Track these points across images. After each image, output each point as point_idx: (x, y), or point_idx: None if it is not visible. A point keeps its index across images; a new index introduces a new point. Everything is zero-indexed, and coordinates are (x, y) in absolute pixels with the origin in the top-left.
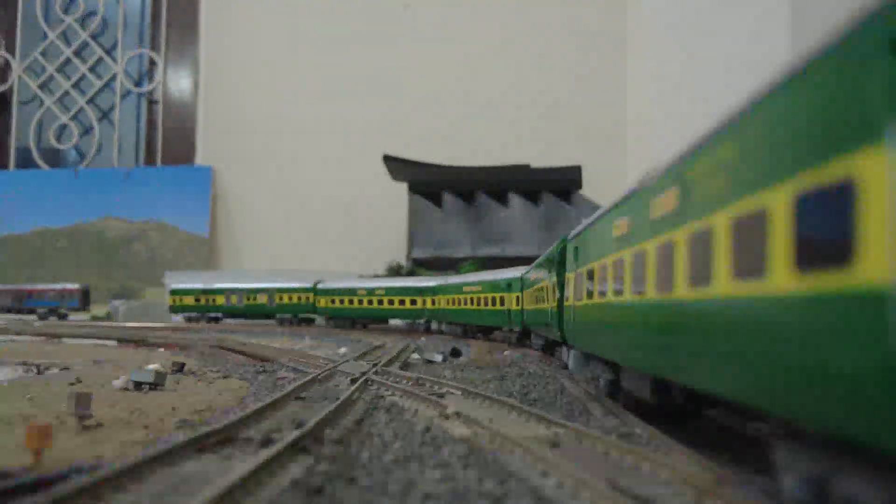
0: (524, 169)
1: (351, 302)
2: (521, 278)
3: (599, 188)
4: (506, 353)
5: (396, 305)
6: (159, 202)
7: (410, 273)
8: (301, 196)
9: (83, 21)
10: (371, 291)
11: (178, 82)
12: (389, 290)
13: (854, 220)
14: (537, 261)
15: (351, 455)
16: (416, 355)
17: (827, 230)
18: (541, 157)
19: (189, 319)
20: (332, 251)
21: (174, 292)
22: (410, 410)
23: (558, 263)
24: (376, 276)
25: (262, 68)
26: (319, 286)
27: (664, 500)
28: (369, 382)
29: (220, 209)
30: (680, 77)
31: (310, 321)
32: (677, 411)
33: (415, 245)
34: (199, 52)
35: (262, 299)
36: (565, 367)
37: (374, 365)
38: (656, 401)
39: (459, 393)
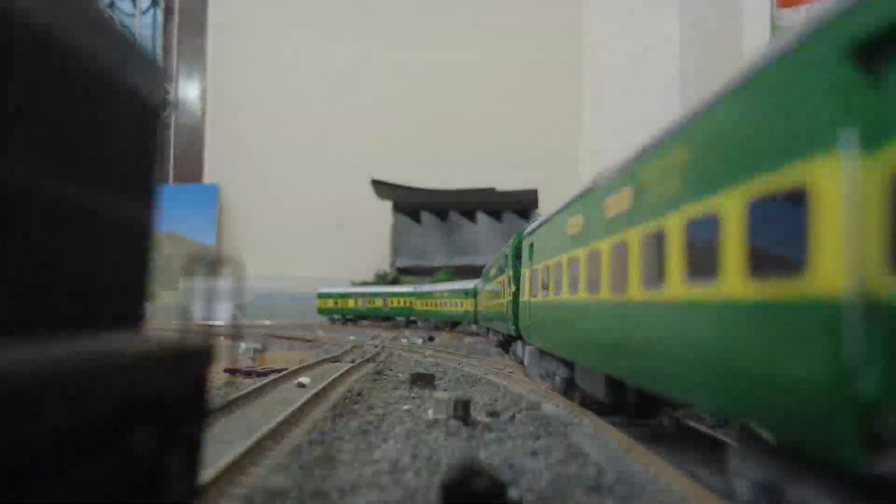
0: (489, 191)
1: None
2: (475, 287)
3: (555, 206)
4: (466, 339)
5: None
6: (171, 216)
7: (395, 280)
8: (298, 210)
9: None
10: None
11: (188, 109)
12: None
13: (807, 227)
14: (493, 259)
15: (388, 364)
16: (404, 340)
17: (780, 237)
18: (505, 179)
19: (331, 321)
20: (325, 260)
21: (320, 296)
22: (409, 358)
23: (513, 259)
24: (364, 282)
25: (262, 97)
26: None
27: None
28: (384, 349)
29: (226, 222)
30: (625, 103)
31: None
32: (632, 411)
33: (398, 255)
34: (207, 83)
35: (378, 303)
36: (520, 362)
37: (382, 343)
38: (611, 401)
39: (431, 352)
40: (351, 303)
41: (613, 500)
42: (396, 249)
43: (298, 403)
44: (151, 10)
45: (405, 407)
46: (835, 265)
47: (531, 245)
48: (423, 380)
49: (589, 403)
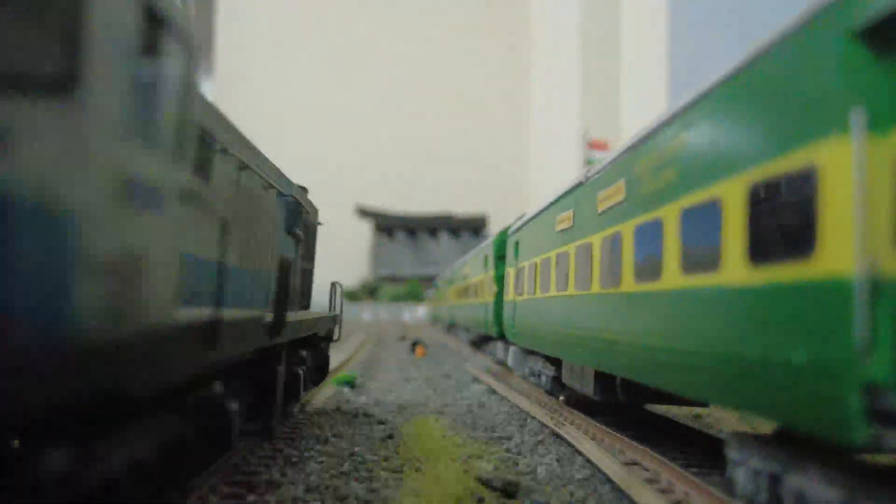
0: (449, 216)
1: None
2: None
3: (504, 225)
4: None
5: None
6: None
7: (377, 287)
8: None
9: None
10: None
11: None
12: None
13: (816, 209)
14: (463, 260)
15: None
16: None
17: (786, 221)
18: (464, 204)
19: None
20: (318, 270)
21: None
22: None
23: (496, 258)
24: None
25: (262, 134)
26: None
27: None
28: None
29: None
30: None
31: None
32: (620, 406)
33: (377, 266)
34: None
35: None
36: (500, 363)
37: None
38: (600, 397)
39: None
40: None
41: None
42: (376, 261)
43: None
44: None
45: None
46: (844, 246)
47: (516, 244)
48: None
49: (575, 402)
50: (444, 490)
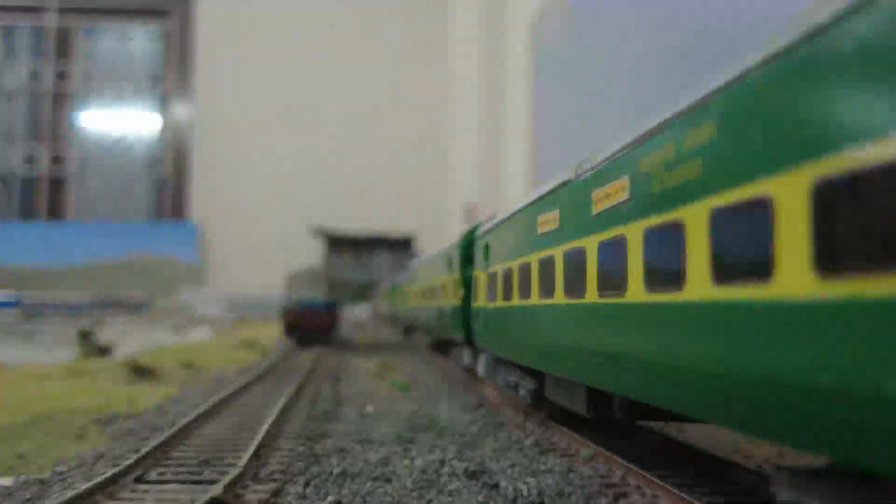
0: (384, 236)
1: None
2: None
3: (429, 244)
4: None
5: None
6: (168, 244)
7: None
8: (258, 239)
9: None
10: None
11: (177, 170)
12: None
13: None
14: (424, 261)
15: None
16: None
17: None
18: (398, 225)
19: None
20: (279, 278)
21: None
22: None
23: (462, 260)
24: None
25: (234, 162)
26: None
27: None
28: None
29: (207, 249)
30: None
31: None
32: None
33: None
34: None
35: None
36: (469, 369)
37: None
38: (594, 415)
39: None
40: None
41: None
42: (329, 271)
43: None
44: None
45: None
46: None
47: (486, 246)
48: None
49: (559, 417)
50: None
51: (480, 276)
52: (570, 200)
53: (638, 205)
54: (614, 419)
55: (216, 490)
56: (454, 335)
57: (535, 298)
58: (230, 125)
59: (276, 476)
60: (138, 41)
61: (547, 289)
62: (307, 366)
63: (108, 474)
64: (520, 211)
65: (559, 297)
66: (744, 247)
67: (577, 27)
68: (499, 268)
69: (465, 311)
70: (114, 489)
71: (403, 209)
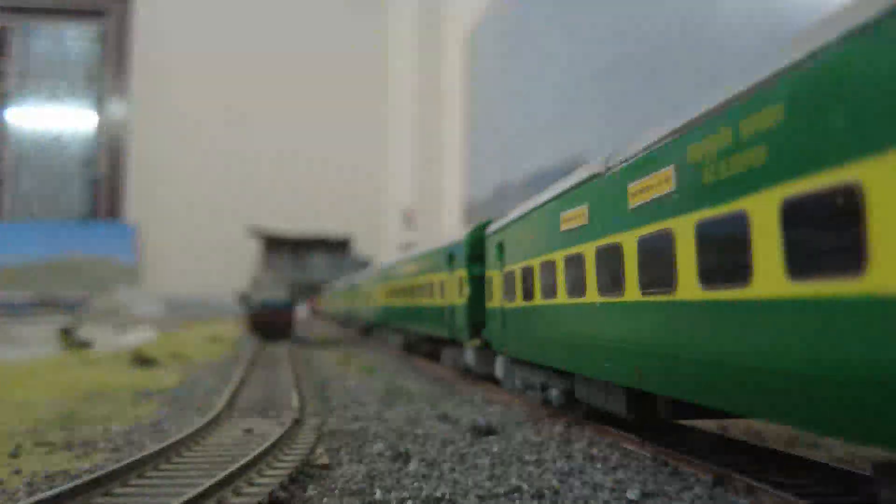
0: (323, 238)
1: None
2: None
3: (366, 246)
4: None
5: None
6: (102, 243)
7: None
8: (196, 240)
9: None
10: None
11: (113, 169)
12: None
13: None
14: (403, 258)
15: None
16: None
17: None
18: (335, 226)
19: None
20: (217, 278)
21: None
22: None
23: (469, 258)
24: None
25: (172, 162)
26: None
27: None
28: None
29: (144, 249)
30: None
31: None
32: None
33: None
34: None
35: None
36: (466, 370)
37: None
38: (635, 416)
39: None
40: None
41: None
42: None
43: None
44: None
45: None
46: None
47: (500, 244)
48: None
49: (593, 414)
50: None
51: (495, 276)
52: (602, 194)
53: (686, 196)
54: (654, 419)
55: (294, 415)
56: (454, 335)
57: (562, 297)
58: (168, 125)
59: (318, 413)
60: (74, 40)
61: (576, 287)
62: (284, 356)
63: (213, 413)
64: (539, 207)
65: (592, 295)
66: (827, 238)
67: (509, 41)
68: (516, 267)
69: (470, 310)
70: (225, 416)
71: (340, 212)
